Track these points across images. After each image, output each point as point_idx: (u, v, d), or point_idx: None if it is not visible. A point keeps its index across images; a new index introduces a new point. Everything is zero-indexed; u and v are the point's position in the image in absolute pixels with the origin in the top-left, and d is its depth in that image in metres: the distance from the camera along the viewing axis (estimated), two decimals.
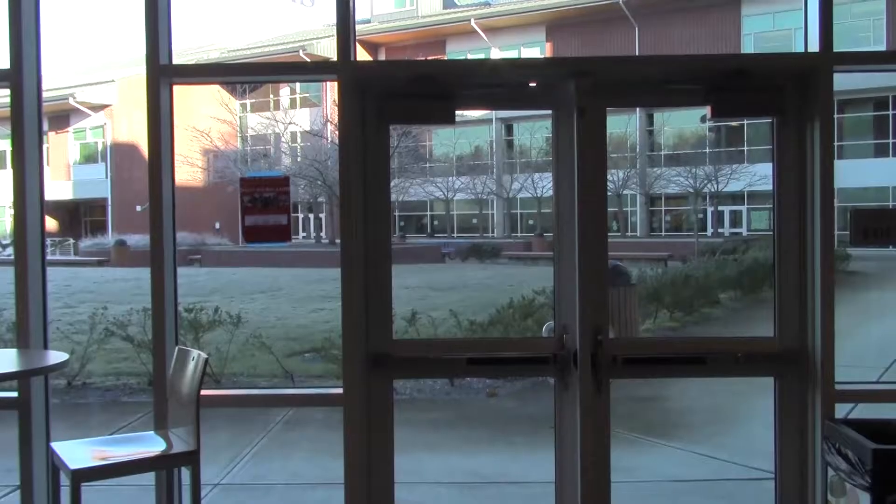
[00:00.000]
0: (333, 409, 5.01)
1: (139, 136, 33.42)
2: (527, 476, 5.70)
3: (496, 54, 37.54)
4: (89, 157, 45.72)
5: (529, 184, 37.60)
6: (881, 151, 36.06)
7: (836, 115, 4.05)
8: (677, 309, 13.27)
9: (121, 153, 41.84)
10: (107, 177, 43.41)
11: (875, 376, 8.12)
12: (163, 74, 3.92)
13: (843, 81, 3.88)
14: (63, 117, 43.91)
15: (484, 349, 4.44)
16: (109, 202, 43.21)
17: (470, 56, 35.44)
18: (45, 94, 4.21)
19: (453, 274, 22.86)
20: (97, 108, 42.96)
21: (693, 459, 6.09)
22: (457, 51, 40.78)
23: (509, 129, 43.45)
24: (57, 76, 40.90)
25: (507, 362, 4.25)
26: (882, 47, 30.38)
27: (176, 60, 4.05)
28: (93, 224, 45.23)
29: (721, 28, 36.23)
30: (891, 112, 35.72)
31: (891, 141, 35.86)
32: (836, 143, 3.90)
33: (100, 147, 44.86)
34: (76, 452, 3.51)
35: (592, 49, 35.34)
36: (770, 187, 4.04)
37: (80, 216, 46.63)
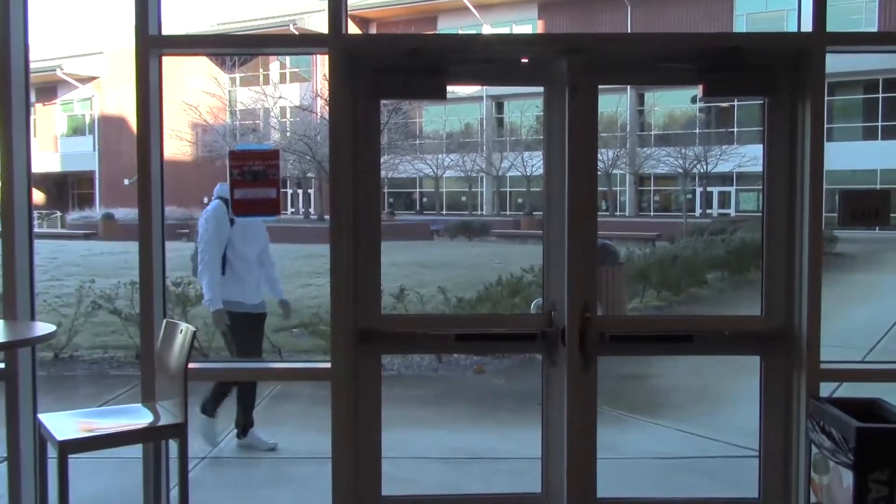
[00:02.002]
0: (321, 384, 5.03)
1: (127, 109, 33.08)
2: (513, 452, 5.74)
3: (488, 31, 37.36)
4: (77, 130, 45.42)
5: (519, 162, 37.59)
6: (870, 134, 36.16)
7: (826, 97, 4.05)
8: (664, 288, 13.32)
9: (109, 126, 41.55)
10: (94, 149, 43.12)
11: (860, 356, 8.18)
12: (152, 45, 3.88)
13: (834, 64, 3.88)
14: (50, 89, 43.56)
15: (472, 326, 4.45)
16: (97, 175, 42.94)
17: (461, 32, 35.28)
18: (31, 65, 4.16)
19: (442, 251, 22.88)
20: (85, 79, 42.62)
21: (678, 437, 6.14)
22: (448, 27, 40.58)
23: (500, 107, 43.35)
24: (44, 47, 40.53)
25: (495, 339, 4.27)
26: (874, 30, 30.38)
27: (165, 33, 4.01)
28: (80, 197, 45.00)
29: (713, 8, 36.13)
30: (880, 95, 35.79)
31: (880, 124, 35.95)
32: (825, 125, 3.90)
33: (87, 119, 44.53)
34: (63, 424, 3.50)
35: (584, 27, 35.19)
36: (759, 169, 4.05)
37: (67, 189, 46.35)
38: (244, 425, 5.86)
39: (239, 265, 5.78)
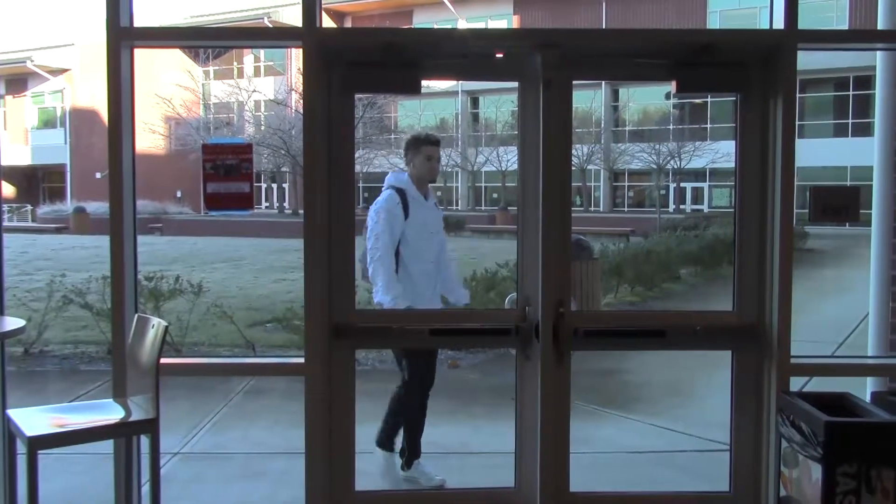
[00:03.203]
0: (295, 379, 5.00)
1: (99, 102, 32.91)
2: (487, 446, 5.75)
3: (463, 26, 37.35)
4: (48, 122, 44.92)
5: (494, 157, 37.65)
6: (841, 132, 36.55)
7: (797, 95, 4.12)
8: (638, 284, 13.40)
9: (80, 118, 41.14)
10: (66, 142, 42.67)
11: (830, 351, 8.27)
12: (123, 38, 3.84)
13: (805, 61, 3.91)
14: (20, 81, 43.04)
15: (447, 320, 4.45)
16: (68, 168, 42.50)
17: (437, 27, 35.26)
18: (1, 57, 4.11)
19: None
20: (56, 72, 42.16)
21: (651, 431, 6.18)
22: (424, 21, 40.53)
23: (475, 102, 43.39)
24: (14, 38, 40.10)
25: (469, 333, 4.27)
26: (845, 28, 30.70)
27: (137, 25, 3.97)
28: (51, 190, 44.52)
29: (687, 5, 36.34)
30: (851, 93, 36.17)
31: (850, 121, 36.34)
32: (797, 122, 3.93)
33: (59, 112, 44.05)
34: (33, 419, 3.47)
35: (559, 22, 35.24)
36: (732, 165, 4.08)
37: (38, 182, 45.82)
38: (409, 454, 5.08)
39: (413, 266, 4.90)
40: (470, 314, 4.90)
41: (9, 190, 41.20)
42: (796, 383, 3.94)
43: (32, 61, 40.95)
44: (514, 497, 4.14)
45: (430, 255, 5.03)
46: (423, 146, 5.02)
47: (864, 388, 4.36)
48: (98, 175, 36.33)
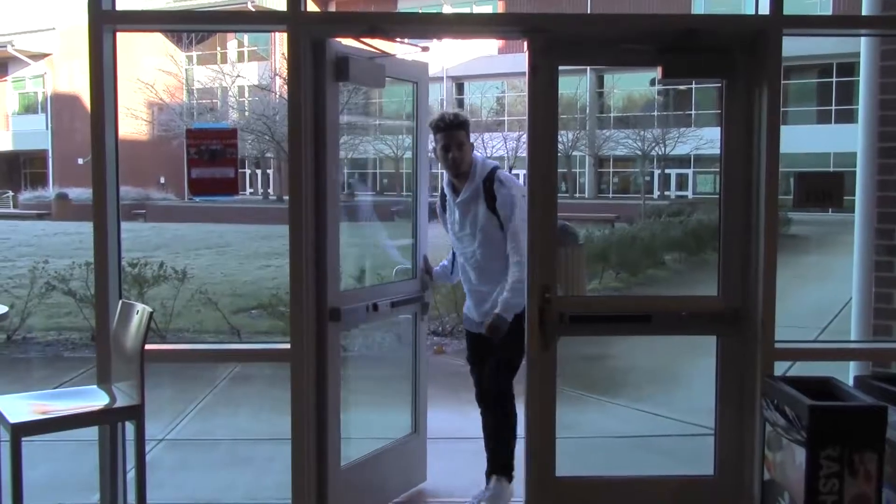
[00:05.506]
0: (280, 365, 5.00)
1: (81, 87, 32.62)
2: (474, 432, 5.75)
3: (448, 11, 37.23)
4: (29, 108, 44.50)
5: (479, 143, 37.62)
6: (824, 118, 36.74)
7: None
8: (623, 269, 13.44)
9: (62, 103, 40.77)
10: (47, 128, 42.28)
11: (812, 336, 8.33)
12: (105, 21, 3.79)
13: (789, 48, 3.91)
14: (1, 66, 42.61)
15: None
16: (50, 154, 42.15)
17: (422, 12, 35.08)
18: None
19: (402, 232, 22.81)
20: (37, 56, 41.74)
21: (636, 416, 6.21)
22: (408, 6, 40.31)
23: (460, 88, 43.27)
24: None
25: None
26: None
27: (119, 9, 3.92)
28: (33, 176, 44.17)
29: None
30: (834, 79, 36.32)
31: (833, 108, 36.50)
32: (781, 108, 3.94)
33: (40, 97, 43.64)
34: (16, 406, 3.45)
35: (545, 8, 35.12)
36: (716, 151, 4.08)
37: (19, 168, 45.43)
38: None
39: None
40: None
41: None
42: (780, 368, 3.96)
43: (13, 46, 40.52)
44: None
45: (464, 258, 4.52)
46: (434, 134, 4.40)
47: (847, 373, 4.40)
48: (80, 161, 36.03)
